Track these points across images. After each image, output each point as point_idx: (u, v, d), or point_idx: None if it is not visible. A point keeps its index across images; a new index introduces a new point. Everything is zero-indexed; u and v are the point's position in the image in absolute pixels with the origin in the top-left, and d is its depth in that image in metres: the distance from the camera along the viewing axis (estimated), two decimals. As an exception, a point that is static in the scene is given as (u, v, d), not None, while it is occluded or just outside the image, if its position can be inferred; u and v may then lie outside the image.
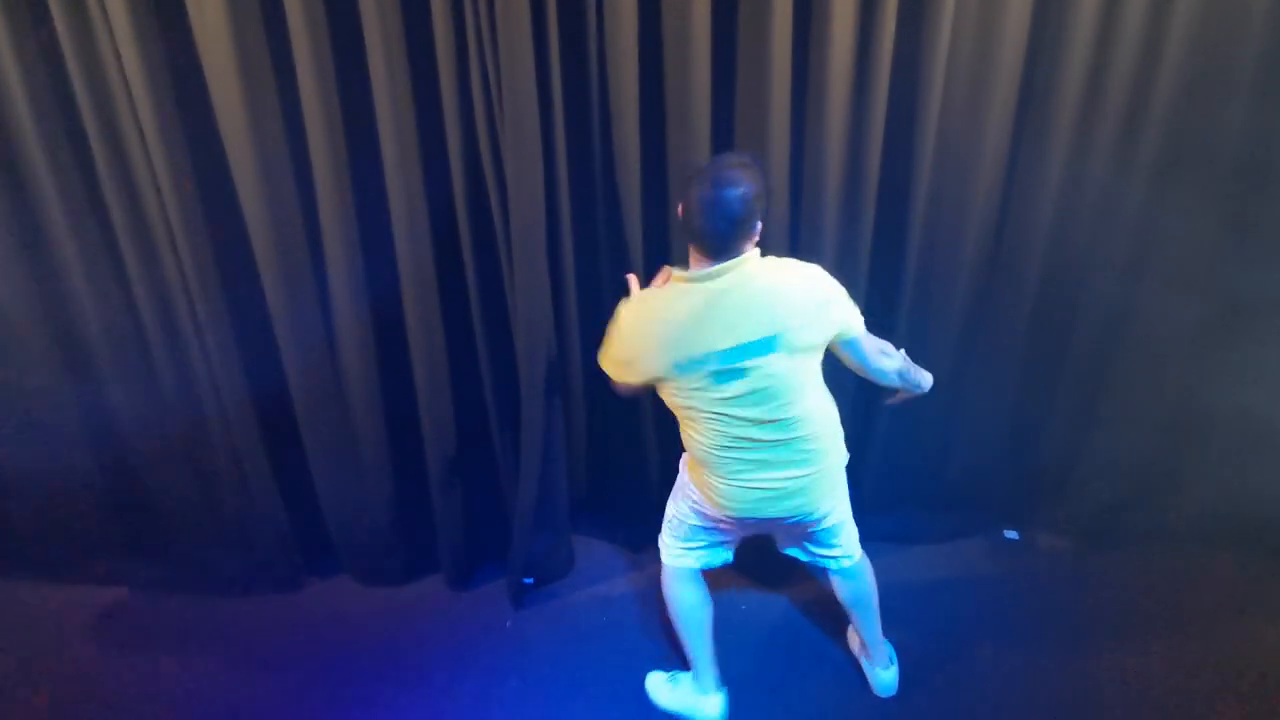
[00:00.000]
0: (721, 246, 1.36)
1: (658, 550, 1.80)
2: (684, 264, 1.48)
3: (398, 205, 1.81)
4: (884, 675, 1.86)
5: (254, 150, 1.74)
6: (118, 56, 1.66)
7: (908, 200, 1.96)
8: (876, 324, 2.10)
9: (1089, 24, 1.79)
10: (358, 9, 1.63)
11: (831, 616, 2.04)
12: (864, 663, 1.92)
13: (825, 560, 1.75)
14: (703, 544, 1.74)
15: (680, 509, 1.72)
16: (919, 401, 2.22)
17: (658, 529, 1.82)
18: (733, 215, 1.33)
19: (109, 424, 2.11)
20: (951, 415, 2.27)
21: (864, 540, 2.39)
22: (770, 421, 1.45)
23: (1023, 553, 2.38)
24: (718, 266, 1.38)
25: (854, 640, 1.98)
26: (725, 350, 1.39)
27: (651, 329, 1.45)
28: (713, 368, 1.41)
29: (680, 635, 1.82)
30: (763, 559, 2.04)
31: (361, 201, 1.84)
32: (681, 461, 1.73)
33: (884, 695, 1.86)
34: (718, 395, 1.44)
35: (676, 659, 1.97)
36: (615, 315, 1.52)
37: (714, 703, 1.80)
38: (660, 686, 1.89)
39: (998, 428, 2.29)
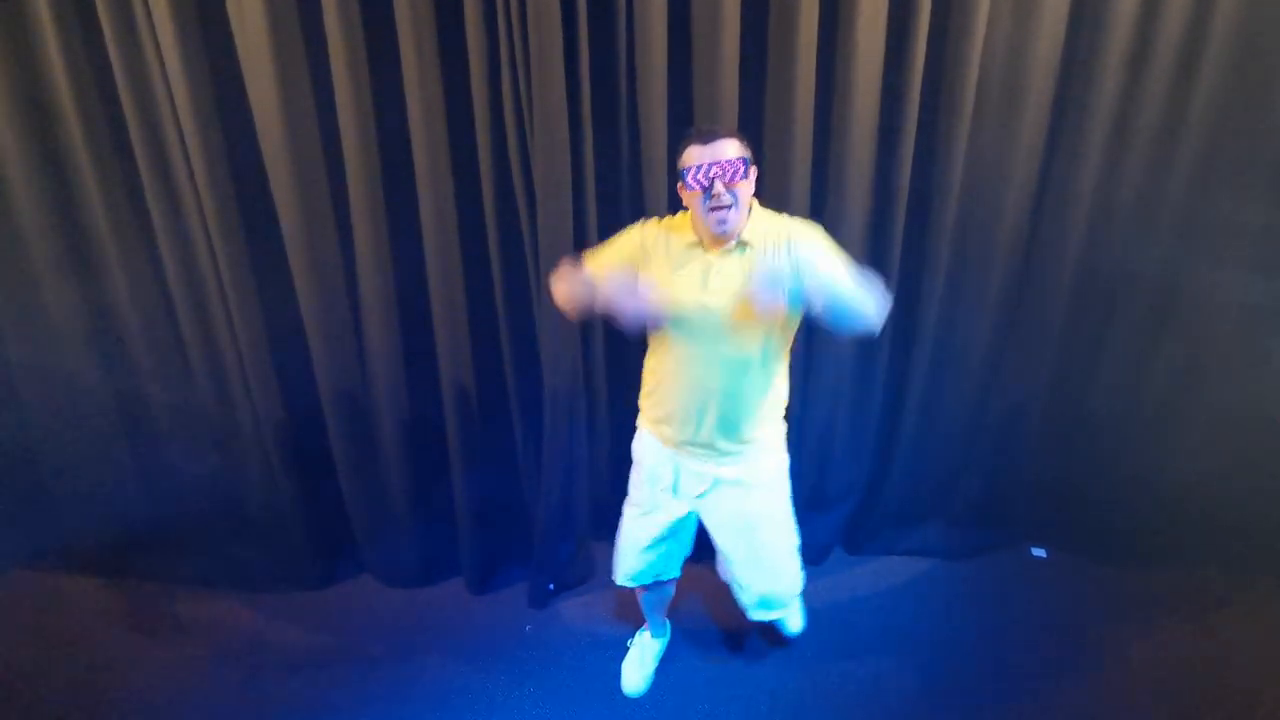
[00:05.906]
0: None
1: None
2: None
3: (428, 216, 1.84)
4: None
5: (289, 158, 1.79)
6: (162, 64, 1.72)
7: (937, 212, 1.94)
8: (902, 333, 2.11)
9: (1124, 35, 1.77)
10: (393, 22, 1.67)
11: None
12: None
13: None
14: None
15: None
16: (945, 417, 2.21)
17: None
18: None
19: (146, 424, 2.18)
20: (978, 431, 2.24)
21: (891, 555, 2.41)
22: None
23: (1050, 571, 2.33)
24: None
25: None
26: None
27: None
28: None
29: None
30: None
31: (393, 211, 1.87)
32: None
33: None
34: None
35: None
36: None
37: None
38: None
39: (1026, 444, 2.25)
